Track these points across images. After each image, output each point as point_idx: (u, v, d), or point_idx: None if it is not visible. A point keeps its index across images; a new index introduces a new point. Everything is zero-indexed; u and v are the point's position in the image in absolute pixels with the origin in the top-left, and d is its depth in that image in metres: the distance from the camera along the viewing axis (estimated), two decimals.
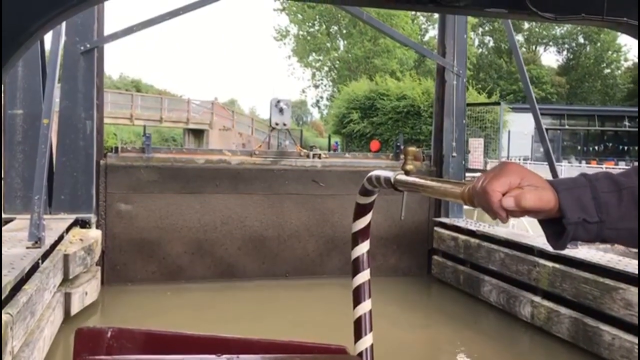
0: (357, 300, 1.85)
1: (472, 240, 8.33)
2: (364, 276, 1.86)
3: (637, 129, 41.25)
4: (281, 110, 9.46)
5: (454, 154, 9.47)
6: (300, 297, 8.45)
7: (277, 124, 9.54)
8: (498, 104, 11.55)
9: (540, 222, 1.02)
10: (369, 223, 1.86)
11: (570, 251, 6.53)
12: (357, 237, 1.87)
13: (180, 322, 7.11)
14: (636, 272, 5.68)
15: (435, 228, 9.35)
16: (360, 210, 1.86)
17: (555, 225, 0.99)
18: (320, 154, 9.46)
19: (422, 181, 1.40)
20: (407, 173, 1.52)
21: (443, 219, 9.30)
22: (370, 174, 1.72)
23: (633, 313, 5.54)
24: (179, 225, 8.61)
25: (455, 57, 9.37)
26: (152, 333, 1.88)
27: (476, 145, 10.07)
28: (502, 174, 0.95)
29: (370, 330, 1.83)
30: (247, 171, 8.92)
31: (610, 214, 0.97)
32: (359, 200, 1.84)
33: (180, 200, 8.59)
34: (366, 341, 1.82)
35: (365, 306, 1.84)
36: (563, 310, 6.47)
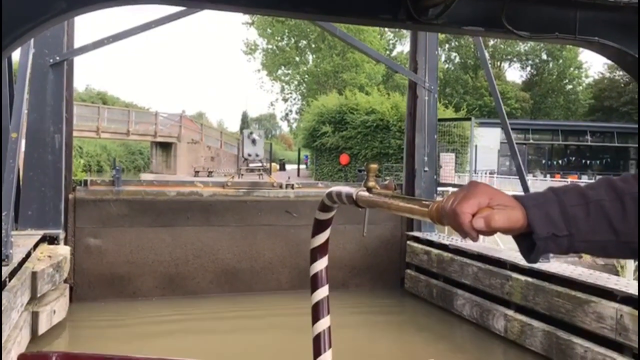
0: (315, 316, 1.82)
1: (445, 254, 8.38)
2: (322, 292, 1.84)
3: (598, 144, 42.35)
4: (254, 142, 9.47)
5: (426, 169, 9.55)
6: (273, 326, 8.12)
7: (249, 155, 9.50)
8: (469, 119, 11.72)
9: (514, 236, 1.04)
10: (328, 239, 1.85)
11: (542, 265, 6.62)
12: (316, 253, 1.86)
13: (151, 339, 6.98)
14: (606, 285, 5.79)
15: (408, 242, 9.39)
16: (319, 226, 1.84)
17: (528, 240, 1.01)
18: (293, 184, 9.43)
19: (385, 199, 1.39)
20: (369, 190, 1.50)
21: (416, 233, 9.35)
22: (330, 189, 1.71)
23: (604, 326, 5.64)
24: (150, 260, 8.44)
25: (427, 73, 9.48)
26: (99, 357, 1.81)
27: (447, 160, 10.19)
28: (471, 195, 0.96)
29: (330, 346, 1.81)
30: (220, 203, 8.81)
31: (579, 227, 0.99)
32: (318, 216, 1.83)
33: (151, 234, 8.45)
34: (326, 358, 1.79)
35: (324, 322, 1.82)
36: (536, 323, 6.54)
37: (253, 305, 8.53)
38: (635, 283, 6.33)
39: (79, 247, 8.13)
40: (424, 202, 1.17)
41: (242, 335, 7.44)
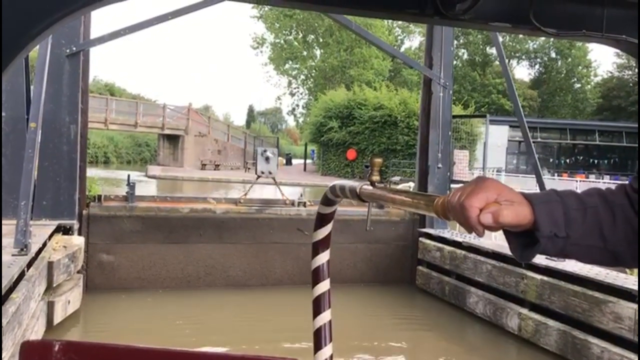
0: (317, 310, 1.82)
1: (459, 251, 8.36)
2: (324, 286, 1.83)
3: (607, 143, 42.17)
4: (267, 159, 9.43)
5: (440, 165, 9.52)
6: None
7: (262, 173, 9.48)
8: (484, 116, 11.65)
9: (506, 233, 1.03)
10: (330, 233, 1.84)
11: (558, 264, 6.60)
12: (318, 247, 1.84)
13: (165, 329, 6.99)
14: (624, 285, 5.76)
15: (421, 239, 9.37)
16: (322, 220, 1.84)
17: (523, 237, 1.01)
18: (305, 202, 9.42)
19: (390, 193, 1.37)
20: (372, 184, 1.48)
21: (428, 230, 9.33)
22: (333, 183, 1.70)
23: (622, 326, 5.61)
24: (162, 276, 8.44)
25: (442, 69, 9.44)
26: (103, 346, 1.79)
27: (461, 157, 10.15)
28: (479, 190, 0.96)
29: (330, 340, 1.80)
30: (232, 220, 8.81)
31: (576, 230, 1.01)
32: (321, 210, 1.82)
33: (163, 251, 8.45)
34: (326, 352, 1.79)
35: (325, 316, 1.81)
36: (551, 322, 6.51)
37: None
38: None
39: (92, 263, 8.11)
40: (429, 196, 1.16)
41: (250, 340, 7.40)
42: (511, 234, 1.03)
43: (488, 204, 0.95)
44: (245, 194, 9.28)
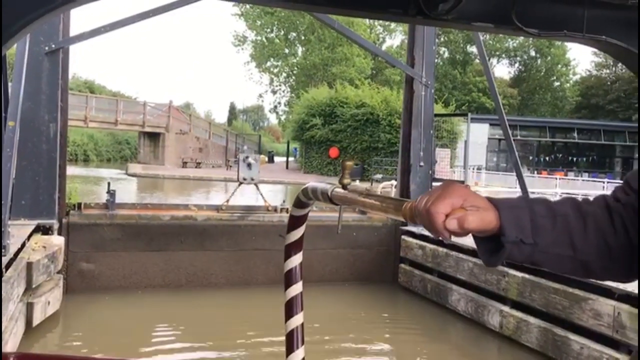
0: (289, 313, 1.81)
1: (441, 249, 8.41)
2: (297, 288, 1.83)
3: (585, 141, 42.72)
4: (249, 166, 9.38)
5: (422, 164, 9.56)
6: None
7: (244, 179, 9.42)
8: (465, 114, 11.72)
9: (475, 238, 1.04)
10: (302, 235, 1.84)
11: None
12: (290, 249, 1.85)
13: (145, 330, 6.93)
14: (604, 283, 5.83)
15: (403, 237, 9.41)
16: (294, 222, 1.83)
17: (490, 243, 1.02)
18: (287, 208, 9.38)
19: (360, 197, 1.38)
20: (344, 187, 1.49)
21: (411, 228, 9.36)
22: (306, 185, 1.70)
23: (601, 323, 5.69)
24: (143, 284, 8.35)
25: (424, 68, 9.47)
26: (60, 357, 1.78)
27: (443, 155, 10.21)
28: (445, 196, 0.97)
29: (302, 343, 1.80)
30: (214, 227, 8.73)
31: (544, 238, 1.01)
32: (294, 212, 1.82)
33: (144, 258, 8.36)
34: (298, 355, 1.79)
35: (297, 319, 1.81)
36: (532, 319, 6.58)
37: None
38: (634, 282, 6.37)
39: (72, 271, 8.00)
40: (398, 200, 1.16)
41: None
42: (480, 239, 1.04)
43: (454, 209, 0.96)
44: (227, 201, 9.22)
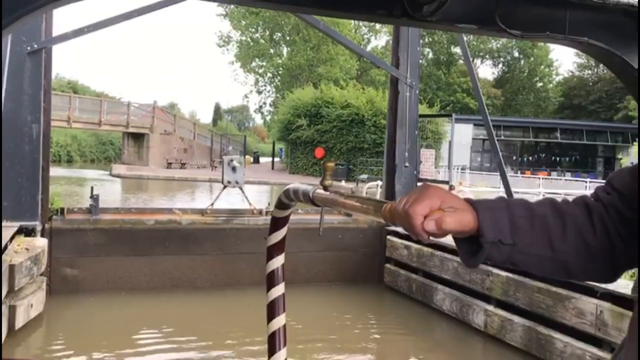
0: (271, 314, 1.83)
1: (425, 249, 8.44)
2: (278, 290, 1.84)
3: (568, 141, 43.14)
4: (234, 169, 9.31)
5: (407, 164, 9.59)
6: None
7: (229, 182, 9.36)
8: (450, 115, 11.78)
9: (455, 239, 1.05)
10: (284, 237, 1.86)
11: None
12: (272, 251, 1.86)
13: (130, 334, 6.89)
14: (589, 282, 5.90)
15: (388, 236, 9.43)
16: (276, 224, 1.85)
17: (470, 244, 1.03)
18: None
19: (341, 198, 1.39)
20: (325, 188, 1.50)
21: (396, 228, 9.38)
22: (288, 187, 1.71)
23: (584, 321, 5.75)
24: (127, 289, 8.27)
25: (409, 69, 9.51)
26: None
27: (427, 155, 10.26)
28: (423, 197, 0.98)
29: (285, 344, 1.81)
30: (198, 231, 8.67)
31: (522, 238, 1.02)
32: (275, 214, 1.83)
33: (128, 263, 8.28)
34: (280, 356, 1.80)
35: (280, 320, 1.82)
36: (516, 318, 6.63)
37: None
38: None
39: (55, 277, 7.90)
40: (378, 202, 1.18)
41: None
42: (460, 240, 1.04)
43: (432, 211, 0.96)
44: (212, 204, 9.18)
